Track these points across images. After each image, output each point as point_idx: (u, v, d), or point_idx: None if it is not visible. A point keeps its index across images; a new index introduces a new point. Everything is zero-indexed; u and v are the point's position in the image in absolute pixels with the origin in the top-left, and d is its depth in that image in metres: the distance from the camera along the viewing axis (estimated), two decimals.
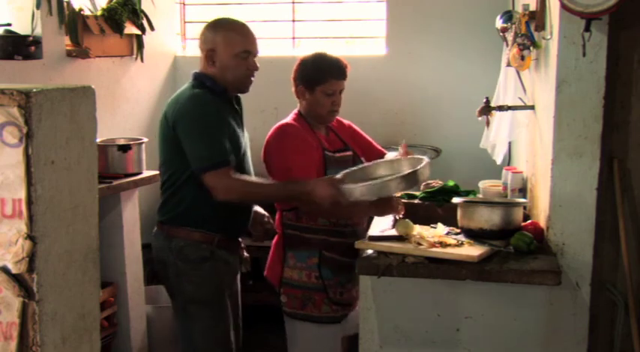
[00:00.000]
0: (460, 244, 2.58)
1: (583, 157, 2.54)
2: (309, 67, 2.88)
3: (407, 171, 2.63)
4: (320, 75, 2.85)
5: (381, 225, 2.85)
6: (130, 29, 4.07)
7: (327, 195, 2.56)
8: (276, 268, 2.92)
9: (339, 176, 2.68)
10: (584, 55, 2.43)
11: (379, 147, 3.19)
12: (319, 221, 2.84)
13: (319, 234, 2.85)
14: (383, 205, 2.80)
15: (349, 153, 2.99)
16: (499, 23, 3.24)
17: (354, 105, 4.63)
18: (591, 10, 2.33)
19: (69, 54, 3.57)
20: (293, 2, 4.74)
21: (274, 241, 2.98)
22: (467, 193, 3.19)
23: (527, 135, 3.23)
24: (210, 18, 2.77)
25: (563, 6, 2.38)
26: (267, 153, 2.88)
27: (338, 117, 3.03)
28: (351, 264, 2.72)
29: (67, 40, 3.57)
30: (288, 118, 2.94)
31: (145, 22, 4.21)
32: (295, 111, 2.97)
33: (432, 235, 2.64)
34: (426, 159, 2.67)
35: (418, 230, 2.73)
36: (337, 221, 2.85)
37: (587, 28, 2.38)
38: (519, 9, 3.19)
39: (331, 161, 2.87)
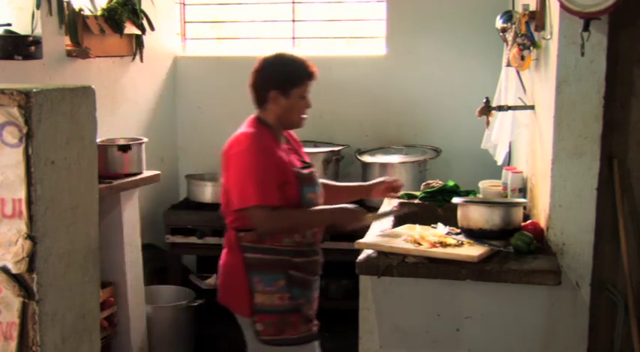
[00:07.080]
0: (460, 244, 2.58)
1: (583, 157, 2.54)
2: (282, 69, 2.67)
3: None
4: (297, 76, 2.65)
5: (381, 227, 2.86)
6: (130, 29, 4.06)
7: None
8: (240, 295, 2.68)
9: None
10: (582, 54, 2.44)
11: None
12: (283, 241, 2.64)
13: (283, 254, 2.65)
14: (346, 215, 2.70)
15: (313, 168, 2.80)
16: (499, 23, 3.24)
17: (354, 106, 4.68)
18: (589, 10, 2.34)
19: (69, 54, 3.57)
20: (293, 2, 4.74)
21: (224, 263, 2.75)
22: (467, 193, 3.19)
23: (527, 135, 3.23)
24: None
25: (562, 6, 2.38)
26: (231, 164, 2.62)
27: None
28: (311, 281, 2.73)
29: (67, 40, 3.57)
30: (248, 129, 2.66)
31: (145, 22, 4.20)
32: (251, 118, 2.70)
33: (432, 235, 2.65)
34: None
35: (418, 230, 2.74)
36: (302, 240, 2.67)
37: (585, 28, 2.39)
38: (519, 9, 3.19)
39: (304, 178, 2.69)
